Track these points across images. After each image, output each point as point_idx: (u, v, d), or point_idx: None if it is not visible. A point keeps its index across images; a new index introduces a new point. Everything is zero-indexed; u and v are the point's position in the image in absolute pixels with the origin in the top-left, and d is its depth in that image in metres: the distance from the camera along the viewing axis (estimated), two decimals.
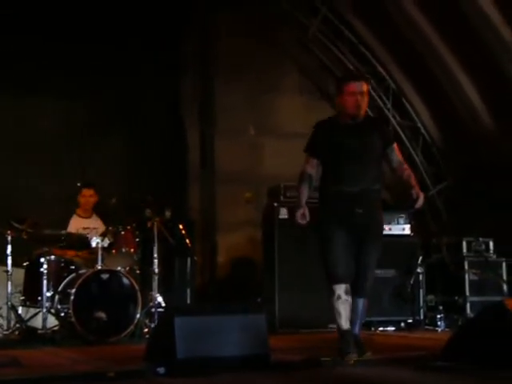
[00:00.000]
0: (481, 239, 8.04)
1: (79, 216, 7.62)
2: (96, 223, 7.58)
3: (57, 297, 6.65)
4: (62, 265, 6.91)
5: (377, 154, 4.96)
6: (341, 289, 4.82)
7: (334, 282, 4.85)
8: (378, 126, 5.16)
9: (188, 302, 7.80)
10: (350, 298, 4.84)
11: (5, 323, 6.66)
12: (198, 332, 4.40)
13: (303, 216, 5.00)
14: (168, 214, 7.50)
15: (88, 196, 7.56)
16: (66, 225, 7.47)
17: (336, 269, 4.86)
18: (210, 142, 9.31)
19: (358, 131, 4.91)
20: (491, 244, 8.11)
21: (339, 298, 4.81)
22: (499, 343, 4.34)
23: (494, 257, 8.07)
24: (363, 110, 4.93)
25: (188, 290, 7.85)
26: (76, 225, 7.51)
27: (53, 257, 6.81)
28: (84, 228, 7.43)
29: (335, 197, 4.92)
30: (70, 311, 6.37)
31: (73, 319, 6.34)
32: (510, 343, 4.30)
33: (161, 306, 6.93)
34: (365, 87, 4.91)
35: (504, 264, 8.02)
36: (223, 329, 4.48)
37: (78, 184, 7.61)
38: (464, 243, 7.98)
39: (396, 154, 5.05)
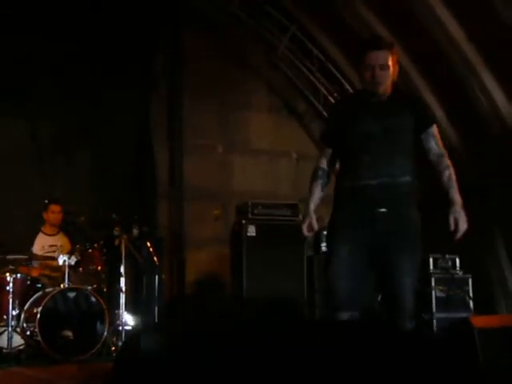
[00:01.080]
0: (447, 256, 8.09)
1: (45, 234, 7.56)
2: (62, 240, 7.54)
3: (23, 315, 6.57)
4: (28, 283, 6.86)
5: (405, 137, 3.96)
6: (345, 317, 3.81)
7: (334, 310, 3.87)
8: (410, 103, 4.06)
9: (156, 319, 7.76)
10: None
11: None
12: None
13: (309, 227, 4.03)
14: (136, 231, 7.51)
15: (57, 212, 7.52)
16: (31, 243, 7.41)
17: (336, 294, 3.88)
18: (178, 159, 9.28)
19: (380, 110, 3.96)
20: (457, 261, 8.16)
21: None
22: (465, 360, 4.38)
23: (461, 273, 8.13)
24: (384, 85, 3.94)
25: (156, 308, 7.80)
26: (42, 242, 7.46)
27: (19, 275, 6.74)
28: (50, 245, 7.40)
29: (349, 195, 3.94)
30: (36, 330, 6.30)
31: (39, 338, 6.27)
32: (476, 360, 4.35)
33: (128, 324, 6.90)
34: (388, 58, 3.92)
35: (470, 280, 8.08)
36: None
37: (46, 201, 7.55)
38: (430, 260, 8.03)
39: (434, 142, 4.01)
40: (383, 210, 3.87)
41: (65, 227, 7.69)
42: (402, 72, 8.69)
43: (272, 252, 7.52)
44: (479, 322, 4.72)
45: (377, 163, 3.88)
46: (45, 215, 7.55)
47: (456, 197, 3.95)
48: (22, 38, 8.10)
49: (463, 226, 3.89)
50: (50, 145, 8.54)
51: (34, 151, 8.44)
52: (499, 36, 7.49)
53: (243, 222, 7.61)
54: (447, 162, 4.04)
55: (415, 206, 4.00)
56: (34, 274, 6.98)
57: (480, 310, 7.92)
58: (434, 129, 4.03)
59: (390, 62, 3.94)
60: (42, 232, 7.58)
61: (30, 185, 8.26)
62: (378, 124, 3.92)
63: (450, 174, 4.01)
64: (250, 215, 7.65)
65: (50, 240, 7.51)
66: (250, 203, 7.69)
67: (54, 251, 7.30)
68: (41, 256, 7.16)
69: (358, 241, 3.86)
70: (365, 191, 3.87)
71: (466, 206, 8.30)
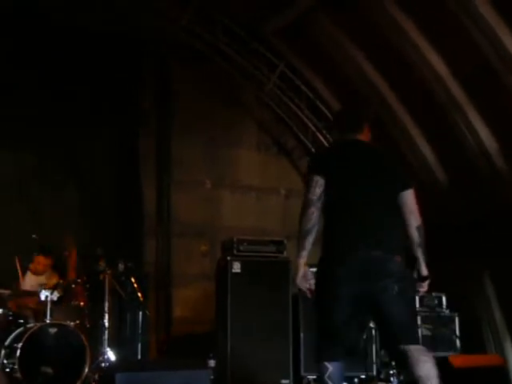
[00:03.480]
0: (433, 294, 8.04)
1: (33, 273, 7.54)
2: (51, 279, 7.50)
3: (3, 351, 6.49)
4: (10, 318, 6.79)
5: None
6: None
7: None
8: None
9: (139, 356, 7.68)
10: None
11: None
12: None
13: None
14: (121, 266, 7.44)
15: (42, 264, 7.51)
16: (17, 279, 7.37)
17: None
18: (166, 195, 9.29)
19: None
20: (444, 299, 8.11)
21: None
22: None
23: (447, 312, 8.06)
24: None
25: (139, 345, 7.73)
26: (31, 282, 7.43)
27: (0, 310, 6.68)
28: (39, 284, 7.34)
29: None
30: (16, 366, 6.22)
31: (18, 375, 6.18)
32: None
33: (110, 361, 6.81)
34: None
35: (457, 319, 8.02)
36: None
37: (33, 236, 7.50)
38: (416, 298, 7.95)
39: None
40: None
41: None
42: (389, 111, 8.84)
43: (257, 289, 7.46)
44: (458, 361, 4.66)
45: None
46: (33, 259, 7.54)
47: None
48: (10, 73, 8.15)
49: None
50: (36, 179, 8.53)
51: (20, 186, 8.44)
52: (483, 73, 7.56)
53: (228, 258, 7.55)
54: None
55: None
56: (17, 309, 6.91)
57: (469, 349, 7.84)
58: None
59: None
60: (30, 271, 7.55)
61: (16, 220, 8.22)
62: None
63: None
64: (235, 251, 7.59)
65: (39, 279, 7.48)
66: (235, 239, 7.64)
67: (43, 289, 7.23)
68: (24, 291, 7.11)
69: None
70: None
71: (453, 243, 8.37)
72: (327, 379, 4.05)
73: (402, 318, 4.05)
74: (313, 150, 9.74)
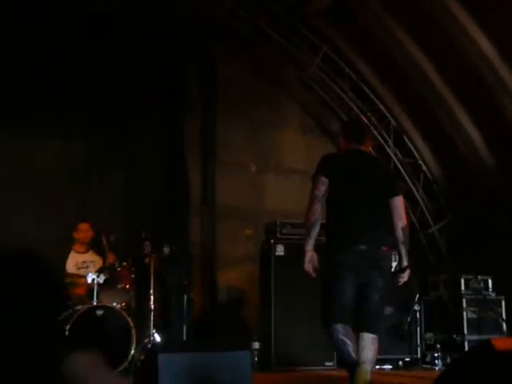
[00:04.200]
0: (479, 277, 7.96)
1: (76, 252, 7.68)
2: (93, 257, 7.63)
3: None
4: None
5: None
6: None
7: None
8: None
9: (184, 338, 7.77)
10: None
11: None
12: (181, 369, 4.38)
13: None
14: (166, 250, 7.53)
15: (84, 230, 7.63)
16: (64, 262, 7.51)
17: None
18: (210, 178, 9.35)
19: None
20: (490, 282, 8.03)
21: None
22: None
23: (493, 295, 7.98)
24: None
25: (184, 327, 7.82)
26: (75, 259, 7.57)
27: None
28: (82, 262, 7.48)
29: None
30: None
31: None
32: None
33: (156, 343, 6.91)
34: None
35: (503, 302, 7.93)
36: (207, 365, 4.46)
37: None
38: (462, 281, 7.91)
39: None
40: None
41: (95, 246, 7.79)
42: (435, 93, 8.73)
43: (300, 271, 7.39)
44: (501, 344, 4.58)
45: None
46: (75, 234, 7.68)
47: None
48: (61, 63, 8.29)
49: None
50: (83, 164, 8.67)
51: (67, 171, 8.58)
52: None
53: (272, 241, 7.60)
54: None
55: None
56: (64, 291, 7.04)
57: None
58: None
59: None
60: (74, 250, 7.70)
61: (64, 203, 8.38)
62: None
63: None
64: (278, 234, 7.63)
65: (82, 257, 7.62)
66: (278, 222, 7.67)
67: (87, 267, 7.39)
68: (71, 274, 7.25)
69: None
70: None
71: (501, 225, 8.25)
72: (343, 337, 4.54)
73: (373, 306, 4.78)
74: None
